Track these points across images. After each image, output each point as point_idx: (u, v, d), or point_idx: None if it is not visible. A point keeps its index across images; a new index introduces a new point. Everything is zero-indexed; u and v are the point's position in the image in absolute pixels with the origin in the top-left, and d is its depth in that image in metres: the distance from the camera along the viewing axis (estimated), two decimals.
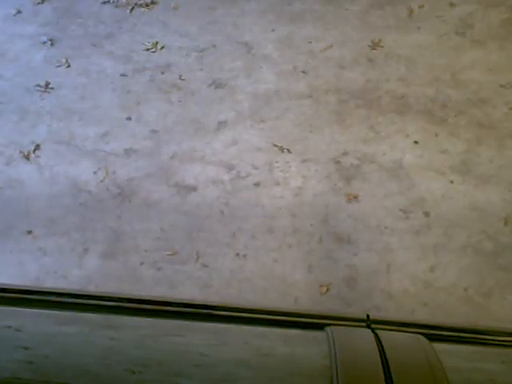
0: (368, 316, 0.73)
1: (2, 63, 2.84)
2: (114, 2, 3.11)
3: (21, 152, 2.47)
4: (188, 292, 2.02)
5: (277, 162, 2.37)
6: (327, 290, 2.00)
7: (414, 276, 2.02)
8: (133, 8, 3.07)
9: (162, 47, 2.84)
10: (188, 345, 0.65)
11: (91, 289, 2.03)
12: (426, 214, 2.18)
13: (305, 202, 2.24)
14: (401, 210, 2.19)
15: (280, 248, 2.12)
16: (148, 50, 2.85)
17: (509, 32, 2.79)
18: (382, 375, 0.57)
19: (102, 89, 2.69)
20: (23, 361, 0.60)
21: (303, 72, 2.69)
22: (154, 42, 2.86)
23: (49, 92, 2.69)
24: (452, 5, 2.94)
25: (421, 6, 2.94)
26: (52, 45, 2.90)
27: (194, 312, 0.74)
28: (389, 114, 2.50)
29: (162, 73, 2.75)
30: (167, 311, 0.75)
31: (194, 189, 2.31)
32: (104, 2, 3.11)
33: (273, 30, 2.88)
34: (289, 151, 2.40)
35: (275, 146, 2.42)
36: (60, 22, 3.03)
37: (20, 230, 2.22)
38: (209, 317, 0.74)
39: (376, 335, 0.65)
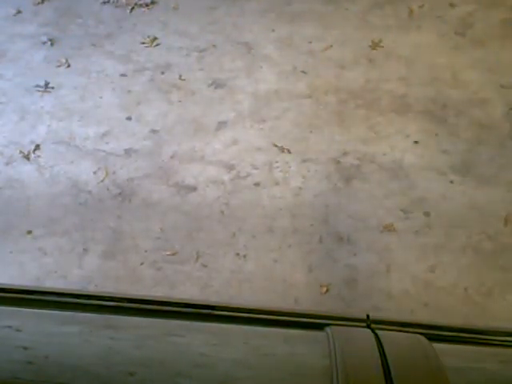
0: (368, 316, 0.73)
1: (1, 63, 2.84)
2: (114, 1, 3.11)
3: (21, 152, 2.47)
4: (188, 292, 2.02)
5: (277, 162, 2.37)
6: (327, 290, 2.00)
7: (414, 276, 2.02)
8: (133, 8, 3.07)
9: (157, 44, 2.83)
10: (188, 345, 0.65)
11: (91, 289, 2.03)
12: (426, 214, 2.18)
13: (305, 202, 2.24)
14: (401, 210, 2.19)
15: (280, 248, 2.12)
16: (143, 43, 2.85)
17: (509, 32, 2.79)
18: (382, 375, 0.57)
19: (101, 89, 2.69)
20: (23, 361, 0.60)
21: (303, 72, 2.69)
22: (152, 38, 2.86)
23: (49, 92, 2.69)
24: (452, 5, 2.94)
25: (421, 6, 2.94)
26: (52, 45, 2.90)
27: (194, 312, 0.74)
28: (389, 114, 2.50)
29: (162, 73, 2.75)
30: (167, 311, 0.75)
31: (193, 189, 2.31)
32: (104, 2, 3.11)
33: (273, 30, 2.88)
34: (289, 151, 2.40)
35: (275, 146, 2.42)
36: (60, 21, 3.03)
37: (20, 230, 2.22)
38: (209, 317, 0.74)
39: (376, 335, 0.65)
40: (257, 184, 2.30)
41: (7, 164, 2.44)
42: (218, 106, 2.59)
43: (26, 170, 2.41)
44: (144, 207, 2.27)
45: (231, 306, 0.76)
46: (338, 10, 2.96)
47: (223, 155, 2.40)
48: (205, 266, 2.09)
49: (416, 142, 2.39)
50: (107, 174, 2.38)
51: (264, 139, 2.44)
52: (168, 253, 2.13)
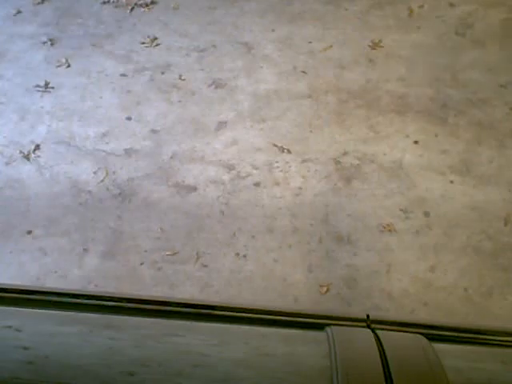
0: (368, 316, 0.72)
1: (1, 63, 2.84)
2: (114, 1, 3.11)
3: (21, 152, 2.47)
4: (188, 292, 2.02)
5: (277, 162, 2.37)
6: (327, 290, 2.00)
7: (413, 276, 2.02)
8: (133, 8, 3.07)
9: (157, 44, 2.84)
10: (188, 345, 0.65)
11: (91, 289, 2.03)
12: (426, 214, 2.18)
13: (305, 202, 2.24)
14: (401, 210, 2.19)
15: (280, 248, 2.12)
16: (143, 43, 2.85)
17: (509, 32, 2.79)
18: (382, 375, 0.57)
19: (101, 89, 2.69)
20: (23, 361, 0.60)
21: (303, 72, 2.69)
22: (152, 38, 2.86)
23: (49, 92, 2.70)
24: (452, 5, 2.94)
25: (421, 6, 2.94)
26: (52, 45, 2.90)
27: (194, 312, 0.74)
28: (389, 114, 2.50)
29: (162, 73, 2.75)
30: (167, 311, 0.75)
31: (194, 189, 2.31)
32: (104, 2, 3.11)
33: (273, 30, 2.88)
34: (289, 151, 2.40)
35: (275, 146, 2.42)
36: (60, 21, 3.03)
37: (20, 230, 2.22)
38: (209, 317, 0.74)
39: (376, 335, 0.65)
40: (257, 184, 2.30)
41: (7, 164, 2.44)
42: (217, 106, 2.59)
43: (26, 169, 2.41)
44: (144, 207, 2.27)
45: (231, 305, 0.76)
46: (338, 10, 2.96)
47: (223, 155, 2.40)
48: (205, 265, 2.09)
49: (416, 142, 2.39)
50: (107, 173, 2.38)
51: (264, 139, 2.44)
52: (168, 253, 2.13)
